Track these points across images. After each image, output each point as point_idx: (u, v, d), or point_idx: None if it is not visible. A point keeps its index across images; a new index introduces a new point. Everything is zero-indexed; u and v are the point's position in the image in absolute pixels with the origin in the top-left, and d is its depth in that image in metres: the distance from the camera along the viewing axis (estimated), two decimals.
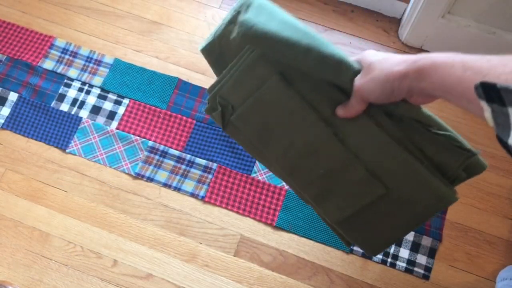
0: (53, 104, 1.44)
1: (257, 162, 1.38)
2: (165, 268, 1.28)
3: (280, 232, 1.33)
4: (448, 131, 0.65)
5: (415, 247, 1.31)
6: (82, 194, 1.35)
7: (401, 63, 0.54)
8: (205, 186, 1.36)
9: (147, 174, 1.37)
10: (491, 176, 1.39)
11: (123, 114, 1.43)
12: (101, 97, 1.46)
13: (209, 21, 1.58)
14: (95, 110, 1.44)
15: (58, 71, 1.48)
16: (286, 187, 1.36)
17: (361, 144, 0.66)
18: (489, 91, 0.42)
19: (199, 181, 1.37)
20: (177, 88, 1.47)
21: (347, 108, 0.63)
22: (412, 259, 1.30)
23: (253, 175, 1.37)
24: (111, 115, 1.43)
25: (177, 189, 1.36)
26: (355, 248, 1.31)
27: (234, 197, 1.35)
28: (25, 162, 1.38)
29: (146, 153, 1.39)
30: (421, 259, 1.30)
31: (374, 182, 0.66)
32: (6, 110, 1.43)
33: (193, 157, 1.39)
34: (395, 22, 1.60)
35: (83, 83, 1.47)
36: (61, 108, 1.44)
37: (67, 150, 1.39)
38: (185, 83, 1.48)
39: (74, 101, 1.45)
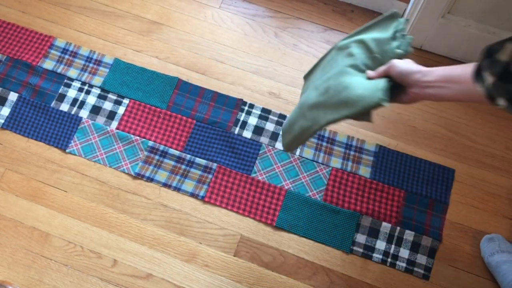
0: (53, 104, 1.44)
1: (257, 162, 1.38)
2: (165, 268, 1.28)
3: (280, 232, 1.33)
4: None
5: (415, 247, 1.31)
6: (82, 194, 1.35)
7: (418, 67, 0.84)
8: (205, 186, 1.36)
9: (147, 174, 1.37)
10: (491, 176, 1.39)
11: (123, 114, 1.43)
12: (101, 97, 1.46)
13: (209, 21, 1.58)
14: (95, 110, 1.44)
15: (58, 71, 1.48)
16: (286, 187, 1.36)
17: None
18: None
19: (199, 181, 1.37)
20: (177, 88, 1.47)
21: (376, 73, 0.93)
22: (412, 259, 1.30)
23: (253, 175, 1.37)
24: (111, 115, 1.43)
25: (177, 189, 1.36)
26: (355, 248, 1.31)
27: (234, 197, 1.35)
28: (25, 162, 1.38)
29: (146, 153, 1.39)
30: (421, 259, 1.30)
31: None
32: (6, 110, 1.43)
33: (193, 157, 1.39)
34: None
35: (83, 83, 1.47)
36: (61, 108, 1.44)
37: (67, 150, 1.39)
38: (185, 83, 1.48)
39: (74, 101, 1.45)
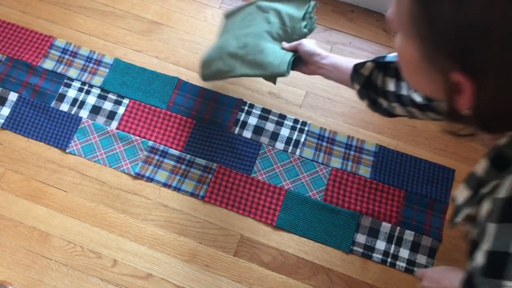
0: (53, 104, 1.44)
1: (257, 162, 1.38)
2: (165, 268, 1.28)
3: (280, 232, 1.33)
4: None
5: (415, 247, 1.31)
6: (82, 194, 1.35)
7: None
8: (205, 186, 1.36)
9: (147, 174, 1.37)
10: None
11: (123, 114, 1.43)
12: (101, 97, 1.46)
13: (209, 21, 1.58)
14: (95, 110, 1.44)
15: (58, 71, 1.48)
16: (286, 187, 1.36)
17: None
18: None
19: (199, 181, 1.37)
20: (177, 88, 1.47)
21: (289, 46, 1.18)
22: (412, 259, 1.30)
23: (253, 175, 1.37)
24: (111, 115, 1.43)
25: (177, 189, 1.36)
26: (355, 248, 1.31)
27: (234, 197, 1.35)
28: (25, 162, 1.38)
29: (146, 153, 1.39)
30: (421, 259, 1.30)
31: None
32: (6, 110, 1.43)
33: (193, 157, 1.39)
34: None
35: (83, 83, 1.47)
36: (61, 108, 1.44)
37: (67, 150, 1.39)
38: (185, 83, 1.48)
39: (74, 101, 1.45)
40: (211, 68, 1.27)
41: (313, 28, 1.24)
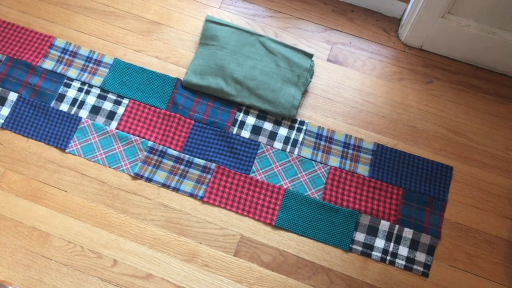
0: (53, 104, 1.44)
1: (255, 161, 1.38)
2: (165, 268, 1.28)
3: (280, 232, 1.33)
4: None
5: (414, 245, 1.31)
6: (82, 194, 1.35)
7: None
8: (204, 186, 1.36)
9: (146, 174, 1.37)
10: (491, 176, 1.39)
11: (123, 114, 1.44)
12: (101, 97, 1.46)
13: None
14: (95, 110, 1.44)
15: (58, 71, 1.48)
16: (285, 186, 1.36)
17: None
18: None
19: (197, 181, 1.37)
20: (176, 88, 1.47)
21: None
22: (411, 257, 1.30)
23: (251, 174, 1.37)
24: (111, 115, 1.43)
25: (176, 190, 1.36)
26: (354, 246, 1.31)
27: (233, 197, 1.35)
28: (25, 162, 1.38)
29: (145, 153, 1.39)
30: (420, 256, 1.30)
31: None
32: (6, 110, 1.43)
33: (191, 157, 1.39)
34: (395, 22, 1.60)
35: (83, 83, 1.47)
36: (60, 108, 1.44)
37: (66, 150, 1.39)
38: None
39: (74, 101, 1.45)
40: (204, 80, 1.44)
41: (311, 80, 1.48)
